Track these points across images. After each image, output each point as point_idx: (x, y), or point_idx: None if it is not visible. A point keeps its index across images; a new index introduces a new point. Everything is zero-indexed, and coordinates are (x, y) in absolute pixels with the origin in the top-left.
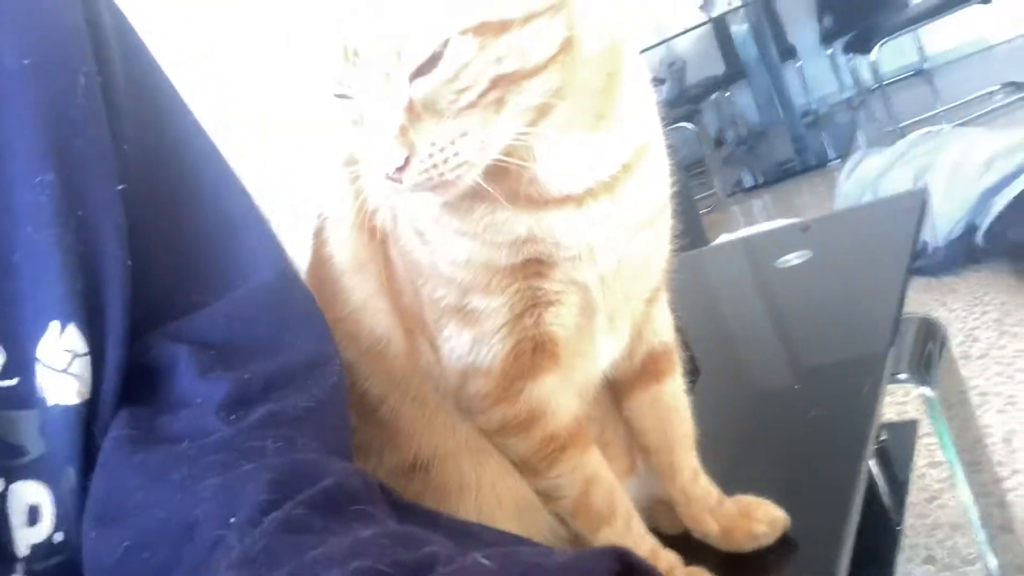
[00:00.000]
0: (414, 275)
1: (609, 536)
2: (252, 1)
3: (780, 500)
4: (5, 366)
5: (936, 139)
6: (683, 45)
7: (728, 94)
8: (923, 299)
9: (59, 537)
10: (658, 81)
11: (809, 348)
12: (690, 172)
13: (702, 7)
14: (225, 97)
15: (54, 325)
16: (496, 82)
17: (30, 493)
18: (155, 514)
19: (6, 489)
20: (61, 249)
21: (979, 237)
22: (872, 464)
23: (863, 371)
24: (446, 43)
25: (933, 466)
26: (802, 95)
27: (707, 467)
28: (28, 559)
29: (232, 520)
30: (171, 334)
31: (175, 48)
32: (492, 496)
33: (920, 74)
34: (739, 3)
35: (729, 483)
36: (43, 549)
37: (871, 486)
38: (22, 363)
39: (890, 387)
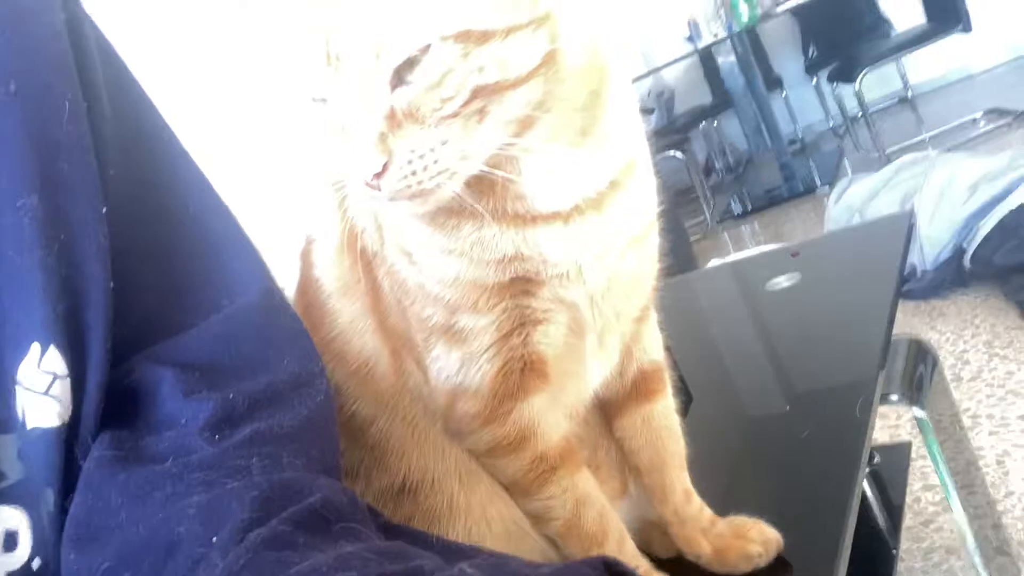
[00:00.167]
0: (401, 295)
1: None
2: (238, 20)
3: (773, 522)
4: None
5: (922, 164)
6: (671, 75)
7: (716, 123)
8: (913, 322)
9: (36, 563)
10: (647, 111)
11: (800, 370)
12: (679, 200)
13: (688, 38)
14: (210, 118)
15: (35, 347)
16: (478, 92)
17: (7, 518)
18: (137, 532)
19: None
20: (43, 271)
21: (966, 261)
22: (867, 488)
23: (854, 392)
24: (428, 48)
25: (927, 489)
26: (789, 124)
27: (700, 489)
28: None
29: (215, 538)
30: (155, 356)
31: (159, 71)
32: (482, 519)
33: (904, 102)
34: (724, 34)
35: (722, 505)
36: None
37: (866, 510)
38: (1, 385)
39: (882, 409)
